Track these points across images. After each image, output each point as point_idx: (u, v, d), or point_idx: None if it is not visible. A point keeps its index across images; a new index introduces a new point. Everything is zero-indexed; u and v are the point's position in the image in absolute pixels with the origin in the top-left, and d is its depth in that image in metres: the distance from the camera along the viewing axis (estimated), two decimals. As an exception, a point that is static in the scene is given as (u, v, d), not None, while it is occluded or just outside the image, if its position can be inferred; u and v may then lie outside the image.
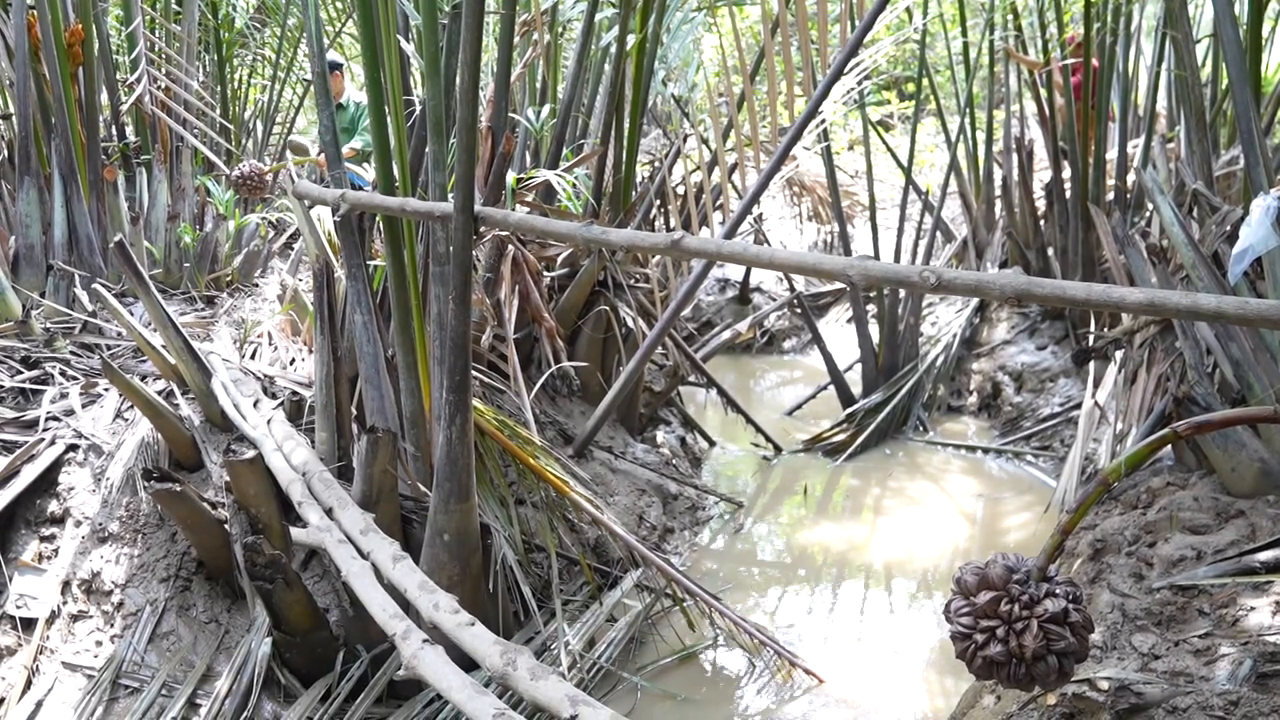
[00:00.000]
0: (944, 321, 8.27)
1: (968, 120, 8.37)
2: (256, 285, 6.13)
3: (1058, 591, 2.04)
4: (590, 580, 4.20)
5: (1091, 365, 5.76)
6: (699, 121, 7.56)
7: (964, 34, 8.49)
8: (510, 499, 4.07)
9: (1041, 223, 7.94)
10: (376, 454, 3.41)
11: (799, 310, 8.57)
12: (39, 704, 3.25)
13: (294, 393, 4.25)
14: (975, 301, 8.02)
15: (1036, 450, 6.46)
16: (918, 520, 5.63)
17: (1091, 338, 6.36)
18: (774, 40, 5.14)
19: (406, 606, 2.90)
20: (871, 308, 7.80)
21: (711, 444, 6.77)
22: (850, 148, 13.40)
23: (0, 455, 3.88)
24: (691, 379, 6.58)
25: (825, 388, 7.51)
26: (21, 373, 4.48)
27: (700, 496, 5.67)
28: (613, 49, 5.47)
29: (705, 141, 6.51)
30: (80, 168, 5.65)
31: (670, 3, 5.82)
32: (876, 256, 7.32)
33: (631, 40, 5.21)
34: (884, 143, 9.30)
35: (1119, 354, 5.25)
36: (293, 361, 4.61)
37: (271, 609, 3.31)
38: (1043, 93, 7.71)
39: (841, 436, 6.76)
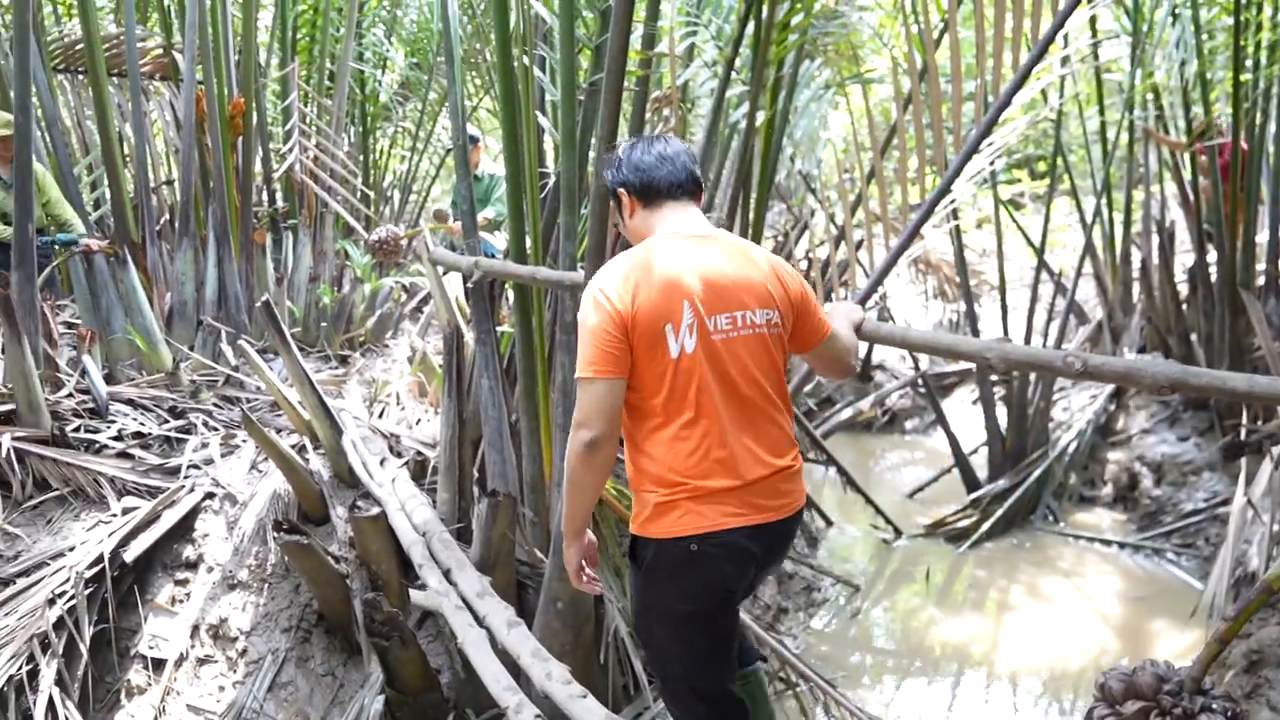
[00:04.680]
0: (1076, 407, 7.93)
1: (1104, 201, 8.11)
2: (387, 346, 6.34)
3: (1214, 706, 1.88)
4: (701, 658, 4.11)
5: (1243, 460, 5.41)
6: (825, 197, 7.55)
7: (1101, 113, 8.27)
8: (625, 569, 4.04)
9: (1183, 307, 7.58)
10: (496, 518, 3.44)
11: (923, 390, 8.36)
12: (163, 745, 3.35)
13: (419, 453, 4.34)
14: (1110, 387, 7.68)
15: (1178, 548, 6.08)
16: (1047, 616, 5.33)
17: (1243, 431, 5.98)
18: (905, 116, 5.12)
19: (518, 672, 2.89)
20: (999, 389, 7.54)
21: (829, 523, 6.60)
22: (979, 226, 13.15)
23: (144, 499, 4.08)
24: (810, 456, 6.46)
25: (949, 471, 7.27)
26: (169, 421, 4.72)
27: (816, 577, 5.52)
28: (741, 125, 5.53)
29: (831, 217, 6.49)
30: (233, 230, 5.99)
31: (800, 81, 5.87)
32: (1006, 337, 7.09)
33: (760, 117, 5.25)
34: (1015, 222, 9.08)
35: (1276, 450, 4.91)
36: (419, 422, 4.72)
37: (387, 667, 3.35)
38: (1185, 174, 7.42)
39: (965, 523, 6.50)
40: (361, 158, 8.98)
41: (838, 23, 6.43)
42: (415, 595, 3.57)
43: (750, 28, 4.87)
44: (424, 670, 3.40)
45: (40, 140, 5.73)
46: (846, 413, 7.27)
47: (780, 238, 8.72)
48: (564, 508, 2.15)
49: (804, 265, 7.53)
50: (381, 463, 4.15)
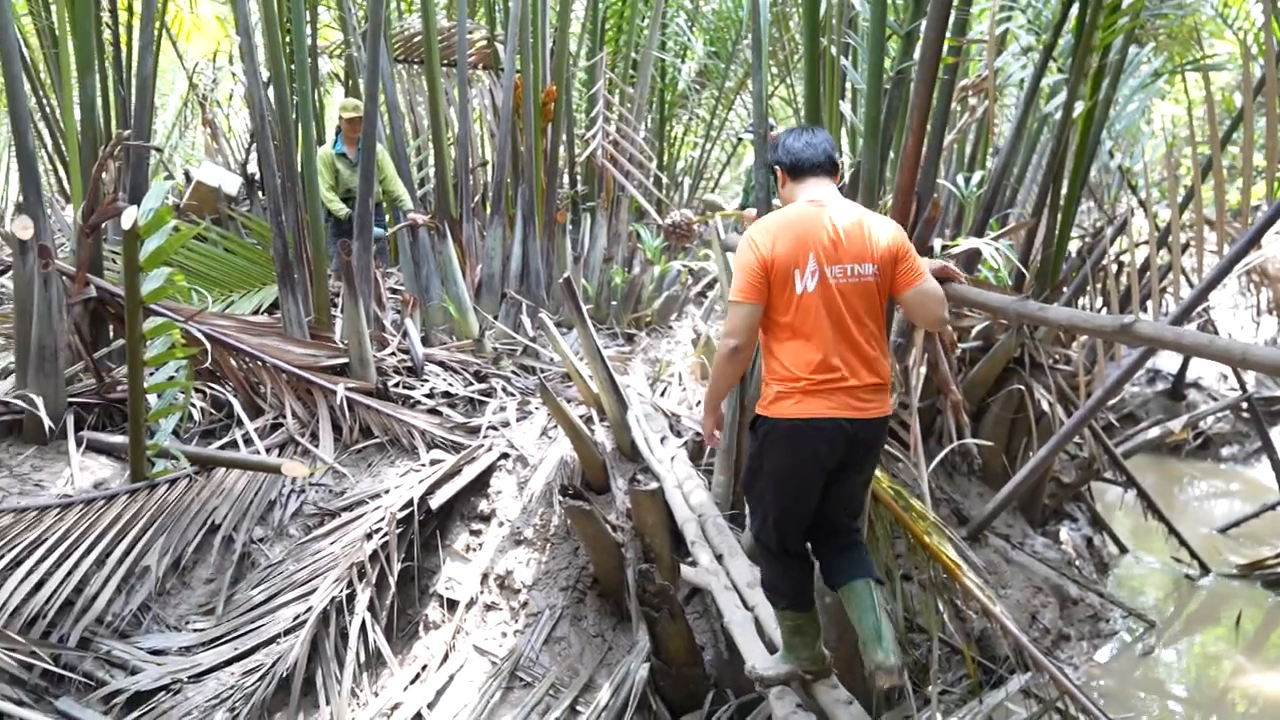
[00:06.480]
0: None
1: None
2: (671, 328, 6.52)
3: None
4: (972, 674, 3.93)
5: None
6: (1146, 195, 6.92)
7: None
8: (896, 572, 3.94)
9: None
10: (770, 505, 3.45)
11: (1248, 414, 7.48)
12: (451, 677, 3.66)
13: (697, 434, 4.44)
14: None
15: None
16: (1388, 686, 4.64)
17: None
18: (1253, 105, 4.59)
19: (782, 661, 2.89)
20: (1344, 422, 6.61)
21: (1123, 550, 6.08)
22: (1330, 234, 11.54)
23: (449, 453, 4.47)
24: (1107, 475, 5.98)
25: (1272, 507, 6.47)
26: (473, 384, 5.13)
27: (1104, 606, 5.11)
28: (1054, 117, 5.18)
29: (1154, 217, 5.94)
30: (538, 210, 6.39)
31: (1126, 68, 5.41)
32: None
33: (1079, 108, 4.89)
34: (1379, 230, 7.89)
35: None
36: (698, 403, 4.83)
37: (654, 637, 3.46)
38: None
39: (1290, 567, 5.77)
40: (657, 144, 9.26)
41: (1173, 3, 5.86)
42: (686, 571, 3.66)
43: (1074, 11, 4.55)
44: (689, 645, 3.48)
45: (380, 124, 6.38)
46: (1153, 432, 6.63)
47: (1088, 237, 8.08)
48: (706, 390, 2.88)
49: (1114, 269, 6.95)
50: (662, 440, 4.28)
